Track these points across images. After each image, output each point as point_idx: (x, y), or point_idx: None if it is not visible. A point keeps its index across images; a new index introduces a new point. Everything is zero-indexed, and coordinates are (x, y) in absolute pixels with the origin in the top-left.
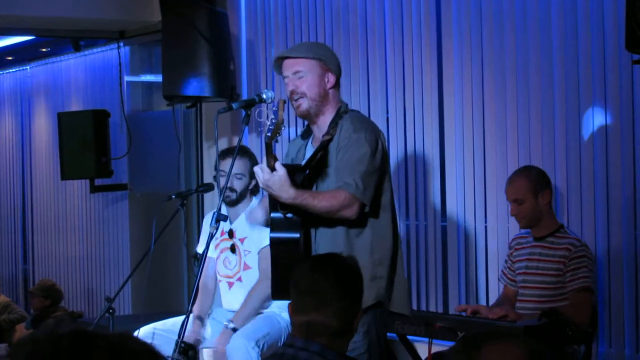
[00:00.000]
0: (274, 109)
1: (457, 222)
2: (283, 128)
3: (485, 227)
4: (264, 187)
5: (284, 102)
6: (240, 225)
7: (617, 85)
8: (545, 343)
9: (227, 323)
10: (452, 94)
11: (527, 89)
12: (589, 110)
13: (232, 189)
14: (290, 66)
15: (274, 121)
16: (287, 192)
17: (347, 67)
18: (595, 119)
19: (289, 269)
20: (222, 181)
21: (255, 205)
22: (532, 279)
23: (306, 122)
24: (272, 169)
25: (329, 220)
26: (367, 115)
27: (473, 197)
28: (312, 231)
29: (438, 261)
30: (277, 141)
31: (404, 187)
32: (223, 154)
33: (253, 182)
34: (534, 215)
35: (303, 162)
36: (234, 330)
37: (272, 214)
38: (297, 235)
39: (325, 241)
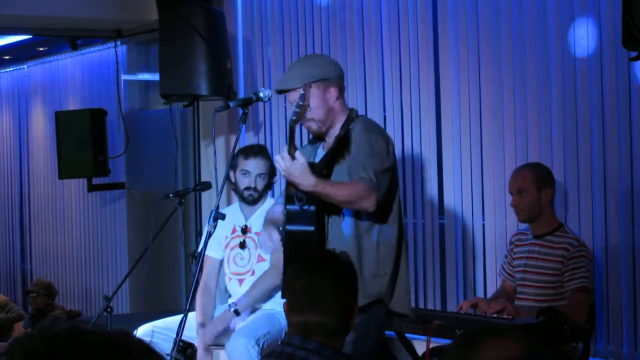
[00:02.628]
0: (301, 92)
1: (455, 220)
2: (309, 110)
3: (483, 224)
4: (286, 174)
5: (311, 85)
6: (257, 220)
7: (614, 82)
8: (543, 341)
9: (230, 305)
10: (449, 91)
11: (524, 87)
12: (586, 107)
13: (255, 189)
14: (292, 98)
15: (300, 104)
16: (308, 179)
17: (344, 65)
18: (593, 115)
19: None
20: (245, 180)
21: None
22: (531, 278)
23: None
24: (293, 157)
25: (340, 214)
26: (364, 113)
27: (470, 195)
28: (326, 226)
29: (436, 259)
30: (302, 123)
31: (402, 185)
32: (246, 154)
33: (274, 179)
34: (534, 209)
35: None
36: (236, 312)
37: (288, 207)
38: (312, 228)
39: (336, 238)
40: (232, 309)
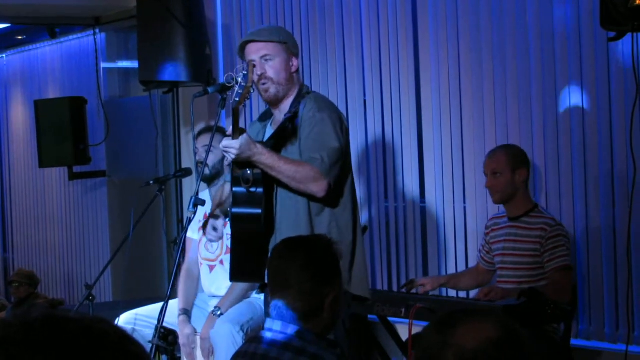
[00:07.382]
0: (243, 72)
1: (436, 203)
2: (252, 91)
3: (464, 207)
4: (238, 154)
5: (254, 65)
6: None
7: (593, 63)
8: (525, 322)
9: (214, 310)
10: (429, 75)
11: (504, 69)
12: (565, 88)
13: (203, 163)
14: (258, 50)
15: (242, 84)
16: (256, 147)
17: (323, 49)
18: (572, 97)
19: (249, 249)
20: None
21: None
22: (509, 260)
23: (266, 106)
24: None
25: (293, 195)
26: (344, 98)
27: (452, 178)
28: (275, 209)
29: (418, 242)
30: (244, 106)
31: (382, 169)
32: (198, 134)
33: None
34: (508, 190)
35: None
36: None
37: (235, 189)
38: (259, 211)
39: (288, 220)
40: (217, 314)
